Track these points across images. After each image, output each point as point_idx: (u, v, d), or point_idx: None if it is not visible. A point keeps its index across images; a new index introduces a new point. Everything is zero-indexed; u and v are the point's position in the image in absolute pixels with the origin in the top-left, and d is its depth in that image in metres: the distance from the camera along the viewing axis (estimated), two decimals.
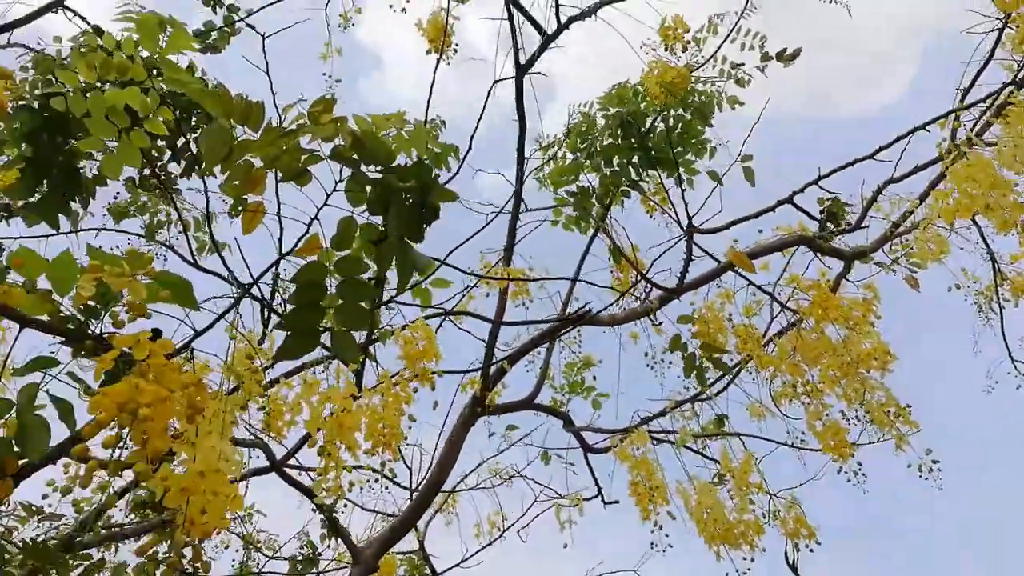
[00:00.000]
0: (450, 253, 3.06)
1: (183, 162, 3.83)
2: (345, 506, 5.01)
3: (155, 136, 2.35)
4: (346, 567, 5.64)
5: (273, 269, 2.38)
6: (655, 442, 4.20)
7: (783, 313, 3.89)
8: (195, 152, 3.74)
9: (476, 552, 5.47)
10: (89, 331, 1.62)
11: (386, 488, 4.94)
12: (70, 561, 2.65)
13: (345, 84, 6.04)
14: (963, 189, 2.97)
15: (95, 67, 2.39)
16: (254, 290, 2.22)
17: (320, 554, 5.81)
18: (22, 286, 1.65)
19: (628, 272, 5.00)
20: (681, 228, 4.22)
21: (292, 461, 4.16)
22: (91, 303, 1.64)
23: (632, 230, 4.89)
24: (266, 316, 3.15)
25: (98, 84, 2.41)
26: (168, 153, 3.94)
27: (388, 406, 2.59)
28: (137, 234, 5.01)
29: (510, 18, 4.24)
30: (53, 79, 3.40)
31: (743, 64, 4.67)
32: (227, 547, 5.68)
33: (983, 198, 2.93)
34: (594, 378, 5.48)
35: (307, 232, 1.96)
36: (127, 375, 1.46)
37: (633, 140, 4.83)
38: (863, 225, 4.14)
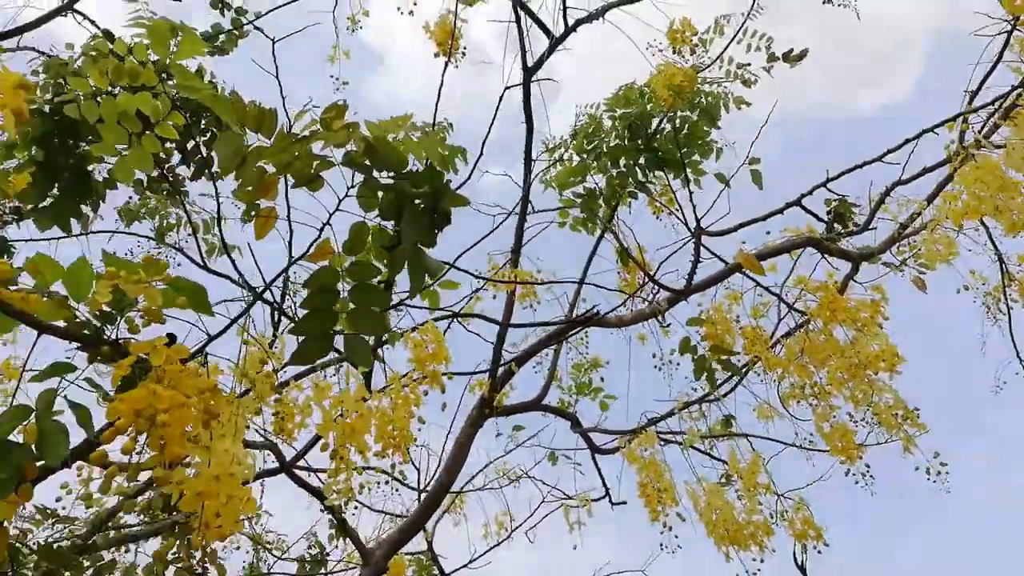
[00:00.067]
0: (459, 257, 3.07)
1: (192, 165, 3.85)
2: (356, 508, 5.04)
3: (164, 139, 2.36)
4: (355, 568, 5.66)
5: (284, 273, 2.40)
6: (662, 443, 4.21)
7: (791, 314, 3.89)
8: (204, 155, 3.76)
9: (484, 552, 5.48)
10: (105, 337, 1.63)
11: (396, 491, 4.97)
12: (83, 563, 2.67)
13: (350, 84, 6.06)
14: (972, 191, 2.97)
15: (107, 73, 2.41)
16: (265, 294, 2.23)
17: (328, 555, 5.84)
18: (33, 288, 1.67)
19: (635, 273, 5.00)
20: (689, 230, 4.22)
21: (301, 463, 4.18)
22: (107, 309, 1.66)
23: (639, 231, 4.90)
24: (276, 319, 3.18)
25: (109, 89, 2.43)
26: (177, 155, 3.96)
27: (398, 408, 2.60)
28: (147, 236, 5.04)
29: (517, 21, 4.25)
30: (63, 83, 3.42)
31: (749, 64, 4.67)
32: (238, 548, 5.70)
33: (992, 200, 2.93)
34: (602, 379, 5.50)
35: (319, 237, 1.97)
36: (143, 380, 1.48)
37: (639, 141, 4.84)
38: (871, 227, 4.14)
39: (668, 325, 4.36)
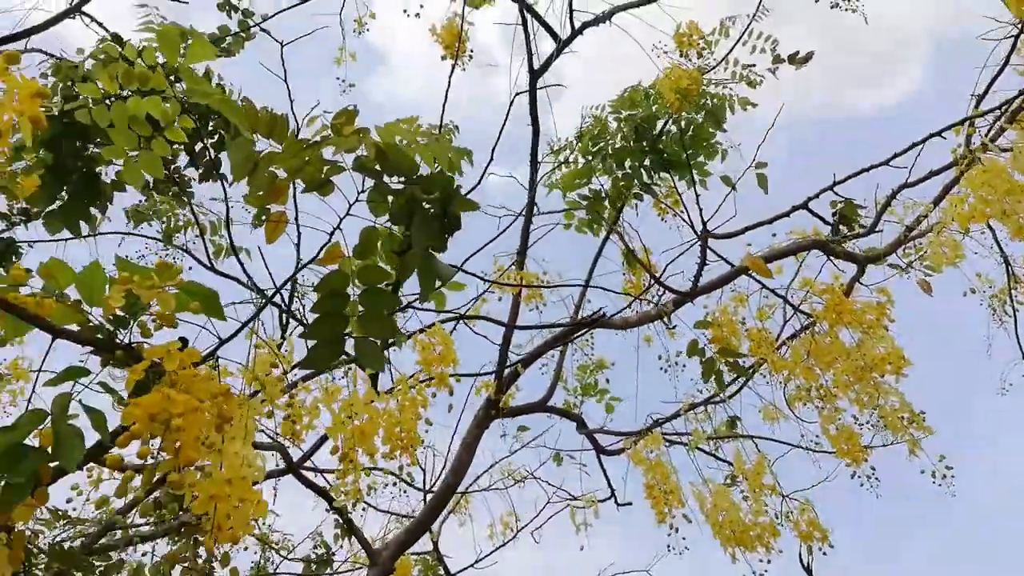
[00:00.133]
0: (467, 260, 3.08)
1: (201, 168, 3.86)
2: (363, 509, 5.06)
3: (172, 142, 2.38)
4: (361, 568, 5.67)
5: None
6: (668, 444, 4.22)
7: (796, 317, 3.90)
8: (212, 158, 3.78)
9: (490, 553, 5.50)
10: (118, 341, 1.65)
11: (404, 492, 4.99)
12: (93, 563, 2.69)
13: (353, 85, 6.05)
14: (978, 195, 2.98)
15: (116, 77, 2.42)
16: (275, 297, 2.25)
17: (334, 555, 5.86)
18: (43, 291, 1.68)
19: (641, 275, 5.01)
20: (695, 232, 4.22)
21: (308, 463, 4.20)
22: (120, 313, 1.67)
23: (644, 233, 4.90)
24: (285, 321, 3.19)
25: (119, 93, 2.44)
26: (185, 157, 3.97)
27: (405, 410, 2.61)
28: (155, 238, 5.05)
29: (524, 24, 4.26)
30: (72, 85, 3.44)
31: (754, 65, 4.67)
32: (245, 549, 5.71)
33: (999, 204, 2.94)
34: (607, 381, 5.51)
35: (329, 241, 1.98)
36: (157, 385, 1.49)
37: (645, 143, 4.84)
38: (877, 229, 4.14)
39: (674, 327, 4.37)
